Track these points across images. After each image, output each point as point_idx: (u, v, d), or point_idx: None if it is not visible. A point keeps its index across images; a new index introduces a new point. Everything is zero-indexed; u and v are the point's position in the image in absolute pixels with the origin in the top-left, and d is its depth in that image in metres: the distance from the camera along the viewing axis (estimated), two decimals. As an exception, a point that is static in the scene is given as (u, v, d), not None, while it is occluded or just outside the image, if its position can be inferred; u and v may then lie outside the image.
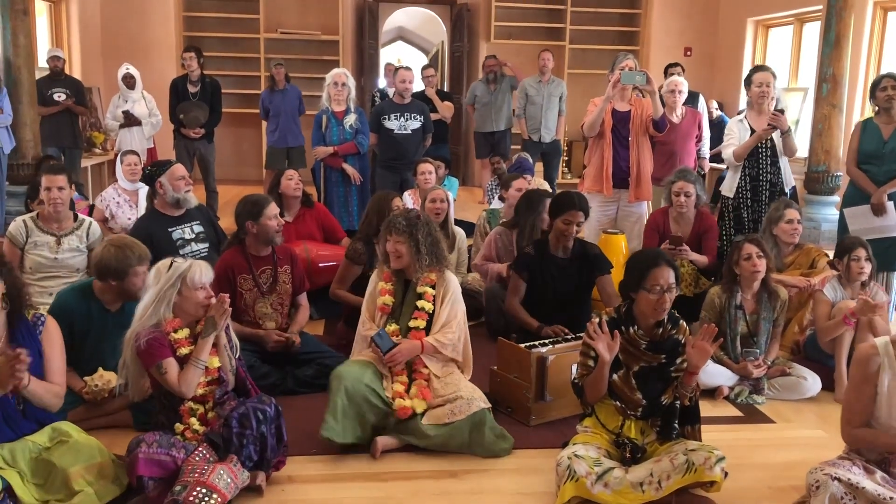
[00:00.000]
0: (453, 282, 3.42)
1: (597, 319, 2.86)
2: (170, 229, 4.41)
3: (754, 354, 3.82)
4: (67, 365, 2.92)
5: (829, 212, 6.42)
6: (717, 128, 8.26)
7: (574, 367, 3.10)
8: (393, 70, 8.19)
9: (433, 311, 3.36)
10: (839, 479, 2.42)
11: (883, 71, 6.93)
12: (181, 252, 4.29)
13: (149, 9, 9.84)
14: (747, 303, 3.94)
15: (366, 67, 10.66)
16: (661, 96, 5.53)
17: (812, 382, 3.87)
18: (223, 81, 8.00)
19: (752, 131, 4.92)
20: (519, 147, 8.25)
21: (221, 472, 2.63)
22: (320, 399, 3.31)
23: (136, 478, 2.61)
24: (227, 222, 4.82)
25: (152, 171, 4.48)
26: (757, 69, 5.15)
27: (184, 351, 2.83)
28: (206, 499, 2.54)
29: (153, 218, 4.49)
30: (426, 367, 3.30)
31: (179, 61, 8.55)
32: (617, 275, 3.46)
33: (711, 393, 3.81)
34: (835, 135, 6.43)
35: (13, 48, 6.12)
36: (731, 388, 3.86)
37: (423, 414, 3.18)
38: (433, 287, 3.38)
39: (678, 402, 2.86)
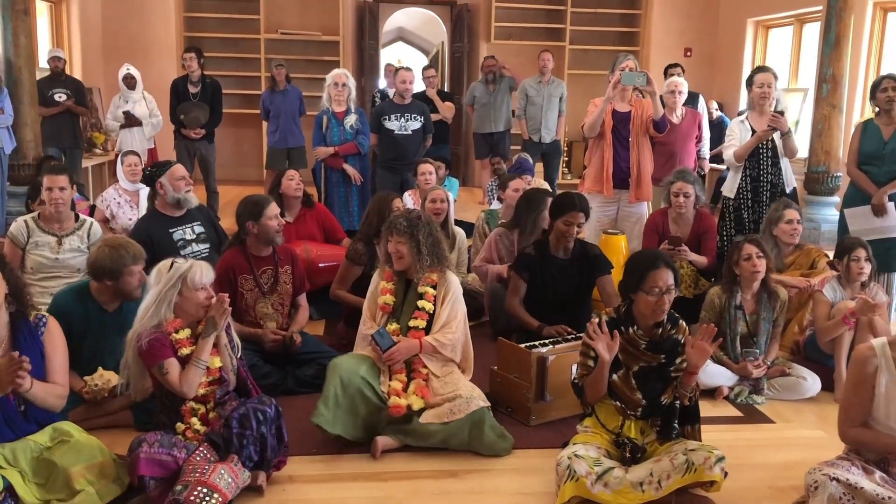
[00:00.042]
0: (454, 282, 3.43)
1: (596, 320, 2.87)
2: (170, 230, 4.42)
3: (754, 355, 3.83)
4: (67, 365, 2.92)
5: (828, 212, 6.43)
6: (717, 128, 8.28)
7: (574, 368, 3.11)
8: (393, 71, 8.21)
9: (433, 311, 3.37)
10: (838, 480, 2.43)
11: (883, 72, 6.95)
12: (182, 253, 4.29)
13: (149, 9, 9.85)
14: (747, 303, 3.94)
15: (366, 68, 10.67)
16: (661, 97, 5.54)
17: (812, 383, 3.87)
18: (223, 82, 8.01)
19: (754, 132, 4.92)
20: (519, 147, 8.26)
21: (222, 471, 2.63)
22: (321, 399, 3.32)
23: (138, 477, 2.61)
24: (227, 223, 4.83)
25: (152, 172, 4.49)
26: (758, 70, 5.16)
27: (185, 351, 2.84)
28: (207, 498, 2.54)
29: (154, 218, 4.49)
30: (425, 366, 3.31)
31: (180, 62, 8.56)
32: (617, 275, 3.46)
33: (711, 393, 3.82)
34: (835, 135, 6.44)
35: (14, 48, 6.13)
36: (731, 389, 3.86)
37: (420, 413, 3.18)
38: (434, 287, 3.39)
39: (678, 401, 2.86)
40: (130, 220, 5.39)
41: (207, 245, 4.52)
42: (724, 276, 4.00)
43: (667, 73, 7.34)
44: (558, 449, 2.92)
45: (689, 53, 10.43)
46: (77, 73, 8.79)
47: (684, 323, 2.95)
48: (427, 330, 3.34)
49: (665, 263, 2.83)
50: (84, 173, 8.13)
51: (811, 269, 4.40)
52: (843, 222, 5.01)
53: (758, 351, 3.86)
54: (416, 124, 6.39)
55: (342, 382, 3.15)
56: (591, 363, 2.89)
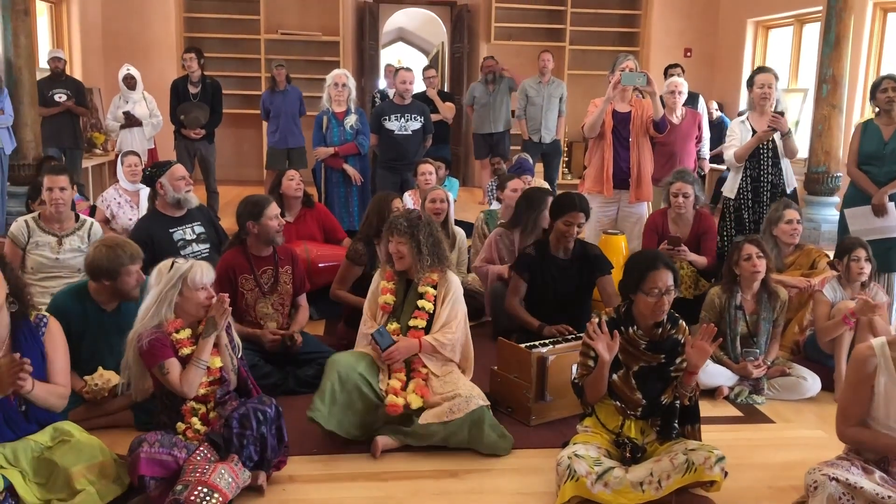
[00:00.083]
0: (455, 282, 3.43)
1: (596, 320, 2.87)
2: (171, 230, 4.42)
3: (754, 354, 3.83)
4: (66, 365, 2.92)
5: (828, 212, 6.43)
6: (717, 129, 8.29)
7: (574, 367, 3.11)
8: (393, 71, 8.21)
9: (434, 310, 3.37)
10: (837, 480, 2.42)
11: (883, 72, 6.96)
12: (182, 253, 4.29)
13: (149, 10, 9.85)
14: (747, 303, 3.94)
15: (366, 68, 10.67)
16: (661, 97, 5.54)
17: (812, 383, 3.87)
18: (224, 82, 8.01)
19: (754, 132, 4.93)
20: (519, 148, 8.26)
21: (223, 471, 2.63)
22: (321, 399, 3.32)
23: (138, 477, 2.61)
24: (227, 223, 4.83)
25: (152, 172, 4.49)
26: (759, 70, 5.16)
27: (186, 351, 2.84)
28: (208, 498, 2.54)
29: (154, 219, 4.49)
30: (425, 366, 3.31)
31: (180, 62, 8.56)
32: (617, 275, 3.46)
33: (711, 393, 3.82)
34: (835, 135, 6.44)
35: (14, 49, 6.13)
36: (731, 388, 3.86)
37: (419, 413, 3.18)
38: (434, 287, 3.39)
39: (678, 401, 2.87)
40: (131, 220, 5.39)
41: (207, 245, 4.52)
42: (725, 276, 4.00)
43: (667, 73, 7.34)
44: (558, 449, 2.92)
45: (689, 54, 10.44)
46: (77, 74, 8.79)
47: (684, 323, 2.95)
48: (427, 330, 3.35)
49: (664, 264, 2.83)
50: (84, 173, 8.14)
51: (811, 270, 4.41)
52: (843, 222, 5.02)
53: (758, 351, 3.86)
54: (416, 124, 6.40)
55: (340, 378, 3.16)
56: (591, 363, 2.89)
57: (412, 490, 2.92)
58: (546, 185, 6.10)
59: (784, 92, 8.00)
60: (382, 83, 10.27)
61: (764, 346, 3.92)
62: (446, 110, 7.69)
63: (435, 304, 3.38)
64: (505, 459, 3.16)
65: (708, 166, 6.83)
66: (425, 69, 8.15)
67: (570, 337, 3.77)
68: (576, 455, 2.74)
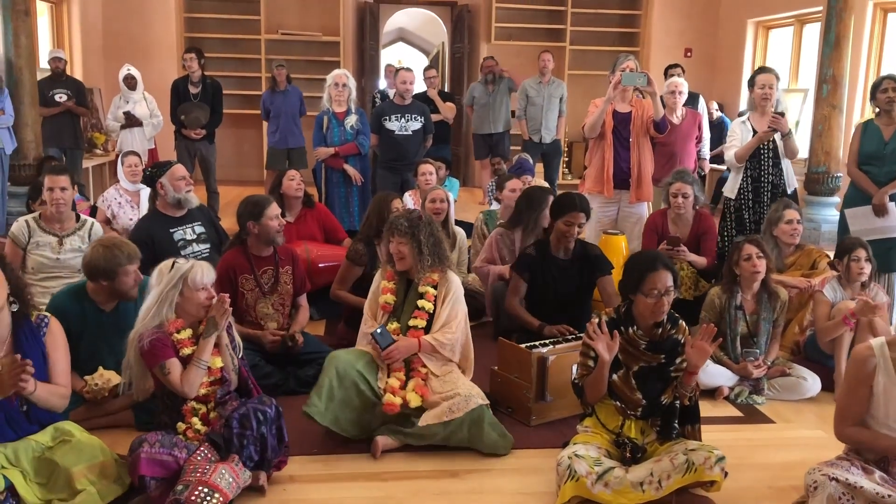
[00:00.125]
0: (455, 282, 3.43)
1: (596, 320, 2.87)
2: (171, 230, 4.42)
3: (754, 355, 3.83)
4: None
5: (829, 213, 6.43)
6: (718, 129, 8.30)
7: (574, 368, 3.11)
8: (393, 71, 8.22)
9: (434, 310, 3.38)
10: (837, 480, 2.43)
11: (883, 72, 6.95)
12: (182, 253, 4.29)
13: (150, 10, 9.86)
14: (747, 303, 3.94)
15: (366, 68, 10.68)
16: (661, 97, 5.54)
17: (812, 383, 3.88)
18: (224, 82, 8.02)
19: (755, 133, 4.93)
20: (519, 148, 8.27)
21: (223, 471, 2.64)
22: (321, 399, 3.32)
23: (139, 477, 2.62)
24: (228, 223, 4.83)
25: (153, 173, 4.49)
26: (760, 70, 5.16)
27: (186, 351, 2.84)
28: (208, 498, 2.55)
29: (154, 219, 4.49)
30: (424, 365, 3.31)
31: (180, 62, 8.57)
32: (617, 276, 3.46)
33: (711, 393, 3.82)
34: (835, 136, 6.45)
35: (14, 49, 6.14)
36: (731, 389, 3.86)
37: (419, 413, 3.18)
38: (435, 287, 3.39)
39: (678, 401, 2.87)
40: (131, 220, 5.40)
41: (208, 245, 4.53)
42: (725, 277, 4.00)
43: (667, 73, 7.34)
44: (558, 449, 2.92)
45: (689, 54, 10.44)
46: (77, 74, 8.80)
47: (684, 323, 2.95)
48: (427, 329, 3.35)
49: (664, 265, 2.83)
50: (84, 174, 8.14)
51: (812, 270, 4.41)
52: (843, 222, 5.02)
53: (758, 351, 3.86)
54: (416, 125, 6.40)
55: (338, 374, 3.17)
56: (591, 363, 2.89)
57: (412, 490, 2.92)
58: (546, 185, 6.10)
59: (784, 92, 8.00)
60: (383, 83, 10.28)
61: (764, 347, 3.92)
62: (447, 110, 7.69)
63: (435, 304, 3.38)
64: (505, 459, 3.16)
65: (708, 166, 6.83)
66: (426, 69, 8.15)
67: (570, 337, 3.77)
68: (576, 455, 2.74)
